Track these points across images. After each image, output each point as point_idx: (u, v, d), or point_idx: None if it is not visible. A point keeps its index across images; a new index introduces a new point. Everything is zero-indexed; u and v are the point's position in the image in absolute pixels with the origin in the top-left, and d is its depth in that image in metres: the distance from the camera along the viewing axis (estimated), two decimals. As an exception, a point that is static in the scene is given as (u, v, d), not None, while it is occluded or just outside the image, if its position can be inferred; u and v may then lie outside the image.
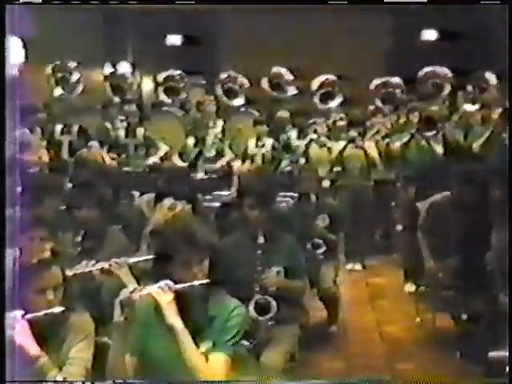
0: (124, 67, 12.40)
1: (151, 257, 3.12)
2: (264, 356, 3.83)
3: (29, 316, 2.67)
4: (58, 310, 2.72)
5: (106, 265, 3.51)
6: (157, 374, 2.78)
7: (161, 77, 9.45)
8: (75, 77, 8.86)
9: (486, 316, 4.56)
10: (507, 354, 2.75)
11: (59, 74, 8.84)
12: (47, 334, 2.73)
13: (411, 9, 11.00)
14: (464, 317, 5.08)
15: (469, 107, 8.45)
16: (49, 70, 8.85)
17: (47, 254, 2.81)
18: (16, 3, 3.38)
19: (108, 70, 11.42)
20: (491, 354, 2.85)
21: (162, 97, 9.27)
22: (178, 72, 9.39)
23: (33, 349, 2.65)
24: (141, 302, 2.76)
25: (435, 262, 5.30)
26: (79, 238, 4.11)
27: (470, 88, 8.86)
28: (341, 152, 7.98)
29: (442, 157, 7.29)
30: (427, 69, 8.74)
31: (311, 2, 8.21)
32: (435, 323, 5.55)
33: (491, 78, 8.71)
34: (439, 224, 5.40)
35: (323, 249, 5.65)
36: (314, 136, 8.56)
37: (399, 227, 7.98)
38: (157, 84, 9.94)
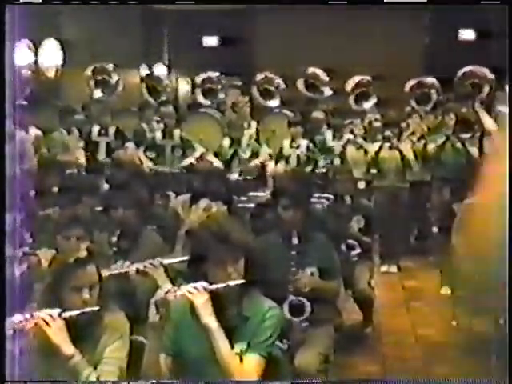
0: (160, 69, 12.52)
1: (186, 258, 3.14)
2: (298, 357, 3.83)
3: (65, 314, 2.69)
4: (93, 309, 2.75)
5: (141, 266, 3.53)
6: (191, 373, 2.80)
7: (199, 79, 9.52)
8: (114, 79, 8.96)
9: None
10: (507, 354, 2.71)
11: (98, 77, 8.94)
12: (83, 333, 2.76)
13: (449, 8, 10.91)
14: (501, 321, 5.01)
15: (504, 109, 8.34)
16: (88, 72, 8.95)
17: (83, 253, 2.84)
18: (16, 3, 3.40)
19: (144, 71, 11.53)
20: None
21: (200, 98, 9.34)
22: (216, 74, 9.45)
23: (67, 348, 2.67)
24: (176, 302, 2.78)
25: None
26: (115, 238, 4.15)
27: (507, 89, 8.75)
28: (376, 153, 7.93)
29: (478, 158, 7.22)
30: (466, 68, 8.65)
31: (311, 2, 8.21)
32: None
33: None
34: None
35: (358, 250, 5.62)
36: (350, 137, 8.53)
37: (435, 229, 7.92)
38: (193, 85, 10.01)
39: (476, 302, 5.38)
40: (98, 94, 8.88)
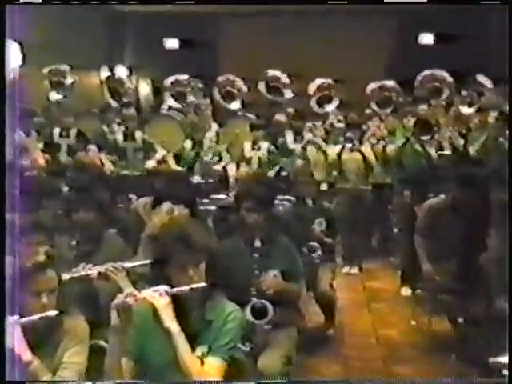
0: (121, 71, 12.43)
1: (148, 261, 3.12)
2: (261, 360, 3.83)
3: (23, 320, 2.66)
4: (52, 313, 2.71)
5: (102, 269, 3.50)
6: (153, 377, 2.79)
7: (167, 81, 9.50)
8: (69, 80, 8.88)
9: (482, 319, 4.57)
10: (507, 355, 2.76)
11: (54, 78, 8.85)
12: (41, 338, 2.73)
13: (409, 12, 11.06)
14: (460, 320, 5.09)
15: (465, 110, 8.48)
16: (45, 73, 8.86)
17: (42, 257, 2.81)
18: (16, 3, 3.38)
19: (105, 73, 11.43)
20: (491, 360, 2.86)
21: (170, 101, 9.33)
22: (185, 76, 9.45)
23: (25, 354, 2.64)
24: (138, 305, 2.76)
25: (432, 265, 5.31)
26: (76, 242, 4.11)
27: (466, 92, 8.90)
28: (338, 155, 7.98)
29: (437, 160, 7.32)
30: (426, 72, 8.76)
31: (311, 1, 8.25)
32: (431, 326, 5.56)
33: (486, 81, 8.75)
34: (436, 227, 5.42)
35: (320, 252, 5.65)
36: (311, 139, 8.57)
37: (396, 230, 8.01)
38: (160, 88, 9.98)
39: (435, 301, 5.48)
40: (54, 95, 8.79)
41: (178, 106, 9.33)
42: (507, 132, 7.21)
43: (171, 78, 9.47)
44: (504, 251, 4.34)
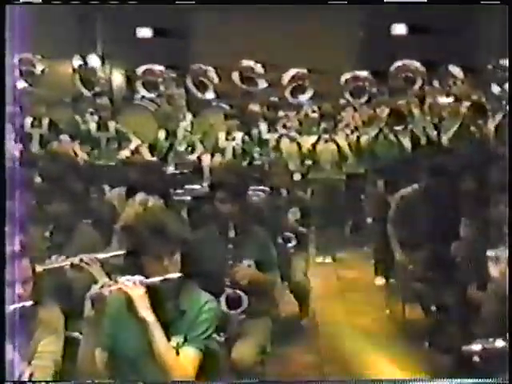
0: (94, 60, 12.31)
1: (122, 252, 3.11)
2: (235, 350, 3.84)
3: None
4: (27, 303, 2.70)
5: (76, 260, 3.49)
6: (127, 368, 2.79)
7: (139, 70, 9.41)
8: (39, 69, 8.79)
9: (454, 307, 4.63)
10: (507, 354, 2.80)
11: (23, 67, 8.75)
12: (16, 328, 2.72)
13: (382, 3, 11.06)
14: (433, 308, 5.14)
15: (440, 100, 8.54)
16: (15, 62, 8.76)
17: (16, 247, 2.79)
18: (16, 3, 3.36)
19: (77, 62, 11.32)
20: (464, 347, 2.89)
21: (141, 91, 9.25)
22: (158, 66, 9.37)
23: None
24: (112, 296, 2.75)
25: (405, 254, 5.36)
26: (49, 233, 4.08)
27: (438, 82, 8.98)
28: (313, 145, 8.00)
29: (411, 150, 7.38)
30: (398, 63, 8.80)
31: (312, 1, 8.27)
32: (405, 315, 5.61)
33: (457, 71, 8.82)
34: (409, 217, 5.47)
35: (294, 242, 5.67)
36: (285, 130, 8.58)
37: (369, 220, 8.06)
38: (131, 78, 9.90)
39: (408, 290, 5.53)
40: (21, 84, 8.68)
41: (150, 95, 9.26)
42: (480, 121, 7.29)
43: (143, 68, 9.39)
44: (475, 239, 4.39)
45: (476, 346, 2.89)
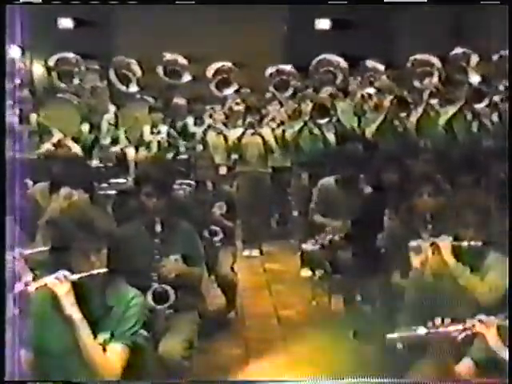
0: (13, 50, 11.95)
1: (46, 248, 3.05)
2: (162, 345, 3.83)
3: None
4: None
5: (-2, 257, 3.40)
6: (54, 367, 2.74)
7: (53, 60, 9.13)
8: None
9: (379, 297, 4.72)
10: (507, 354, 2.87)
11: None
12: None
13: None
14: (358, 298, 5.25)
15: (361, 93, 8.67)
16: None
17: None
18: (16, 3, 3.29)
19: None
20: (388, 336, 2.96)
21: (56, 82, 8.98)
22: (72, 55, 9.11)
23: None
24: (36, 294, 2.70)
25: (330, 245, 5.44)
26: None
27: (360, 76, 9.13)
28: (239, 139, 8.02)
29: (335, 143, 7.50)
30: (320, 57, 8.89)
31: (312, 1, 8.28)
32: (330, 306, 5.70)
33: (378, 66, 9.01)
34: (328, 207, 5.58)
35: (221, 236, 5.69)
36: (211, 123, 8.57)
37: (295, 213, 8.14)
38: (48, 68, 9.62)
39: (334, 281, 5.63)
40: None
41: (72, 88, 9.01)
42: (402, 115, 7.45)
43: (55, 57, 9.08)
44: (398, 230, 4.49)
45: (400, 334, 2.97)
